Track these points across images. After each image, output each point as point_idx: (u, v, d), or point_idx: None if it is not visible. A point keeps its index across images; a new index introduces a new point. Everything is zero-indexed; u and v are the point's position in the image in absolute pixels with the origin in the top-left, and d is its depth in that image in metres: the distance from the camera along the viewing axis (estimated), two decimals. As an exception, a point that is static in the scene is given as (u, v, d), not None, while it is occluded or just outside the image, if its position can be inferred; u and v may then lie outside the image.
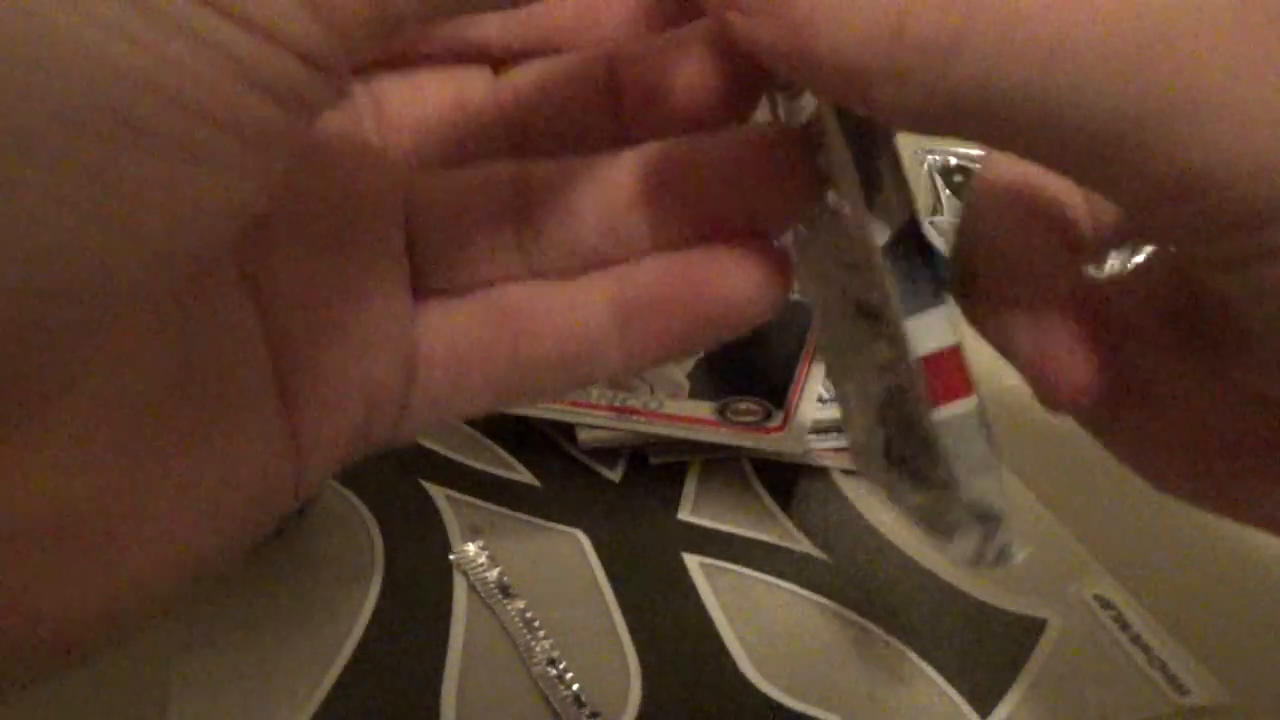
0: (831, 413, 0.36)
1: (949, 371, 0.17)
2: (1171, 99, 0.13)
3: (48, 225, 0.10)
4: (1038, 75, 0.13)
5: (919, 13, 0.13)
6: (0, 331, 0.11)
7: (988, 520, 0.18)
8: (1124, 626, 0.29)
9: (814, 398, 0.36)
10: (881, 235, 0.16)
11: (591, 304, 0.17)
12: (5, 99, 0.10)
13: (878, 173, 0.16)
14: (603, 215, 0.17)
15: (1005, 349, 0.18)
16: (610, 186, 0.17)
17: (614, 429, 0.35)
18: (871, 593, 0.30)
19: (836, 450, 0.36)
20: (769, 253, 0.17)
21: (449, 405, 0.17)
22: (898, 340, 0.17)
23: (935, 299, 0.16)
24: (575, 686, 0.27)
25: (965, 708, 0.27)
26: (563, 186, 0.17)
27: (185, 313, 0.14)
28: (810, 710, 0.26)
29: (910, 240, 0.16)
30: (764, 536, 0.32)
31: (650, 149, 0.17)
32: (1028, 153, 0.14)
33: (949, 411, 0.17)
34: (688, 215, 0.17)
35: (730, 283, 0.17)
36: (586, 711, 0.26)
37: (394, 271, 0.17)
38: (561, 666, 0.27)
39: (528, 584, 0.30)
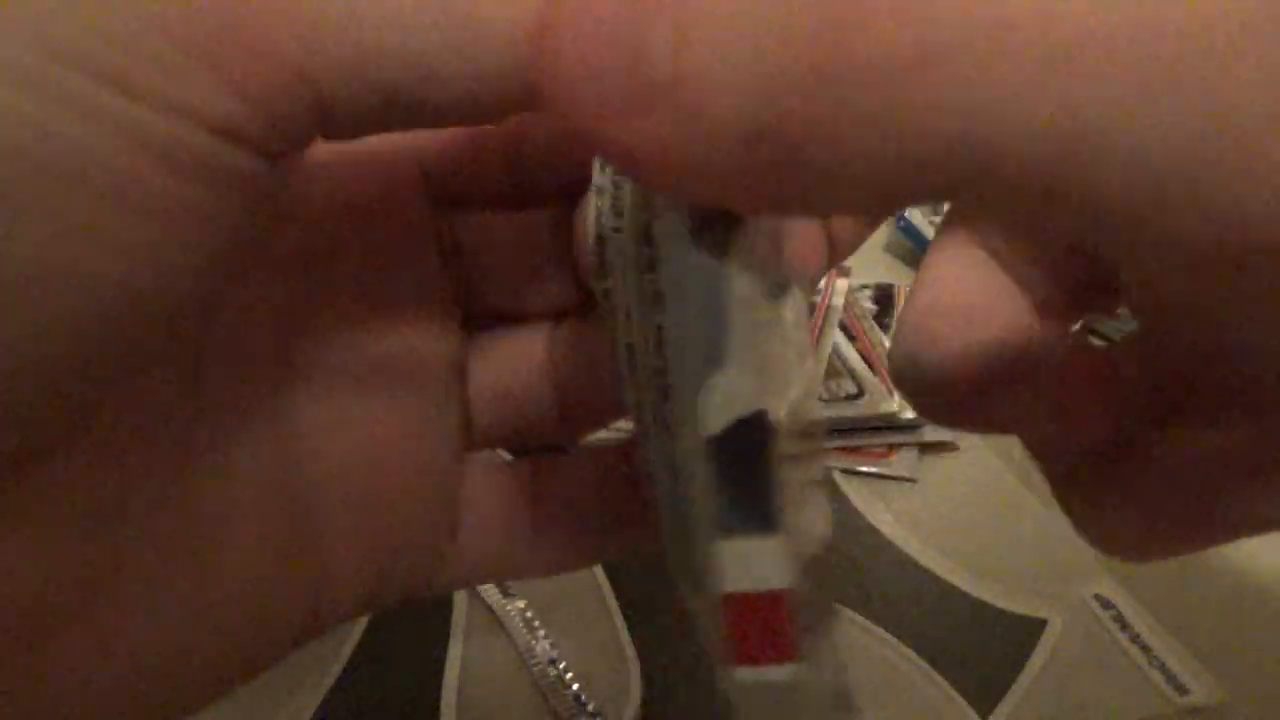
0: (831, 413, 0.36)
1: (766, 624, 0.12)
2: (1226, 139, 0.08)
3: None
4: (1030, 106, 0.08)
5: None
6: None
7: None
8: (1124, 626, 0.29)
9: (814, 398, 0.36)
10: (716, 418, 0.12)
11: None
12: None
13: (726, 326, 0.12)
14: None
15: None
16: None
17: (614, 429, 0.35)
18: (871, 593, 0.30)
19: (837, 450, 0.36)
20: None
21: (495, 564, 0.17)
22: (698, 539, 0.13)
23: (765, 526, 0.12)
24: (575, 686, 0.27)
25: (965, 708, 0.27)
26: None
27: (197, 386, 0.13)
28: (810, 710, 0.26)
29: (755, 436, 0.12)
30: (764, 536, 0.32)
31: None
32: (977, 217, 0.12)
33: (754, 675, 0.12)
34: None
35: None
36: (586, 711, 0.26)
37: (446, 420, 0.16)
38: (561, 666, 0.27)
39: (528, 584, 0.30)
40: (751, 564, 0.12)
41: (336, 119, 0.12)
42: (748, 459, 0.12)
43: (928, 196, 0.10)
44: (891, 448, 0.36)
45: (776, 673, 0.12)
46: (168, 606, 0.13)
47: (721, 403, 0.12)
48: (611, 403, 0.17)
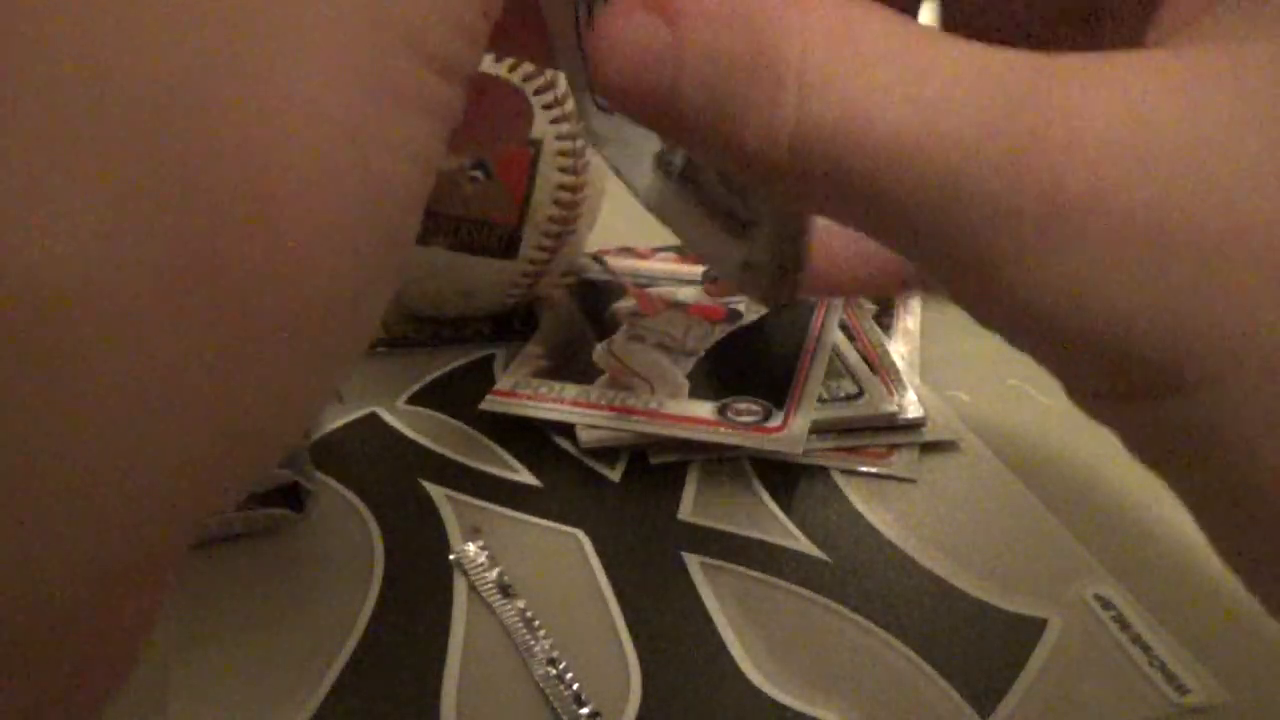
0: (831, 413, 0.36)
1: None
2: (1042, 210, 0.12)
3: None
4: (885, 167, 0.12)
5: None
6: None
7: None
8: (1124, 626, 0.29)
9: (814, 398, 0.36)
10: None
11: None
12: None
13: None
14: None
15: None
16: None
17: (614, 429, 0.35)
18: (871, 593, 0.30)
19: (837, 450, 0.36)
20: None
21: None
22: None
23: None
24: (575, 686, 0.27)
25: (965, 708, 0.27)
26: None
27: None
28: (810, 710, 0.26)
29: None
30: (764, 536, 0.32)
31: None
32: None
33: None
34: None
35: None
36: (586, 711, 0.26)
37: None
38: (561, 666, 0.27)
39: (528, 584, 0.30)
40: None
41: None
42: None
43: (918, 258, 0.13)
44: (891, 448, 0.36)
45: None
46: None
47: None
48: None
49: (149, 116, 0.11)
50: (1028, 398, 0.40)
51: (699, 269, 0.46)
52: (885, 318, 0.44)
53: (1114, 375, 0.12)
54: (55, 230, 0.10)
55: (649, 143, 0.19)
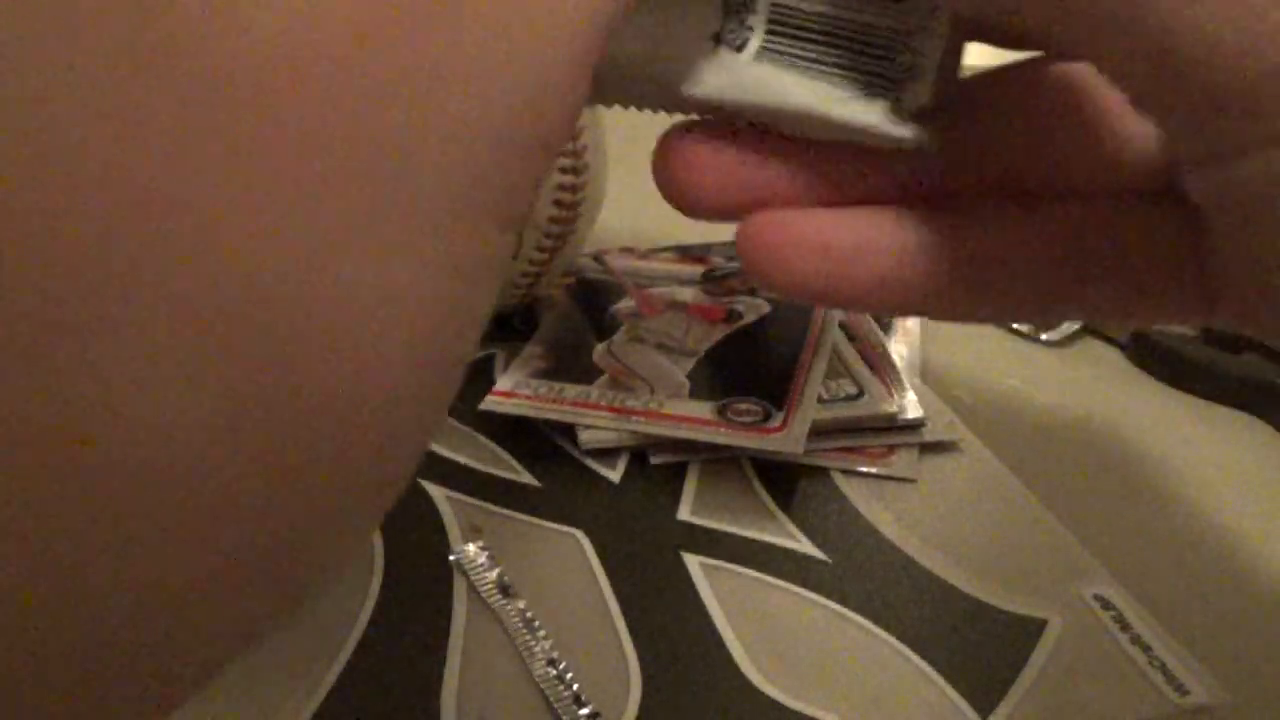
0: (831, 413, 0.36)
1: None
2: None
3: None
4: None
5: None
6: None
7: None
8: (1124, 626, 0.29)
9: (814, 398, 0.36)
10: None
11: None
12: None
13: None
14: None
15: None
16: None
17: (614, 429, 0.35)
18: (871, 593, 0.30)
19: (836, 450, 0.36)
20: None
21: None
22: None
23: None
24: (575, 686, 0.27)
25: (965, 708, 0.27)
26: None
27: None
28: (810, 710, 0.26)
29: None
30: (764, 536, 0.32)
31: None
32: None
33: None
34: None
35: None
36: (586, 711, 0.26)
37: None
38: (561, 666, 0.27)
39: (528, 584, 0.30)
40: None
41: None
42: None
43: None
44: (891, 448, 0.36)
45: None
46: None
47: None
48: None
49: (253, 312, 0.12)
50: (1028, 398, 0.40)
51: (699, 269, 0.46)
52: (885, 318, 0.44)
53: (1222, 130, 0.13)
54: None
55: (700, 27, 0.17)
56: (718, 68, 0.17)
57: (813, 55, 0.17)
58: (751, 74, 0.17)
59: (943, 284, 0.17)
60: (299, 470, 0.12)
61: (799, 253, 0.17)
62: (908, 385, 0.38)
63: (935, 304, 0.18)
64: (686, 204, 0.18)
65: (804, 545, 0.32)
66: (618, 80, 0.17)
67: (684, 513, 0.33)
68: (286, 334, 0.12)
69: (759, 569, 0.31)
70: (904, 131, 0.16)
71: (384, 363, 0.13)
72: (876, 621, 0.29)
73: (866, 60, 0.17)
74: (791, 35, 0.17)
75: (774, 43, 0.17)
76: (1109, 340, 0.44)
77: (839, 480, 0.35)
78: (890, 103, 0.17)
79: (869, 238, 0.17)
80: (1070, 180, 0.18)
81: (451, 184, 0.13)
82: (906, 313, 0.18)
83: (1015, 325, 0.44)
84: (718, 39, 0.17)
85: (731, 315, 0.42)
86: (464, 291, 0.13)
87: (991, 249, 0.17)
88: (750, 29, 0.17)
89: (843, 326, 0.41)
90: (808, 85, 0.17)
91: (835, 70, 0.17)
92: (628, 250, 0.49)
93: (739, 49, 0.17)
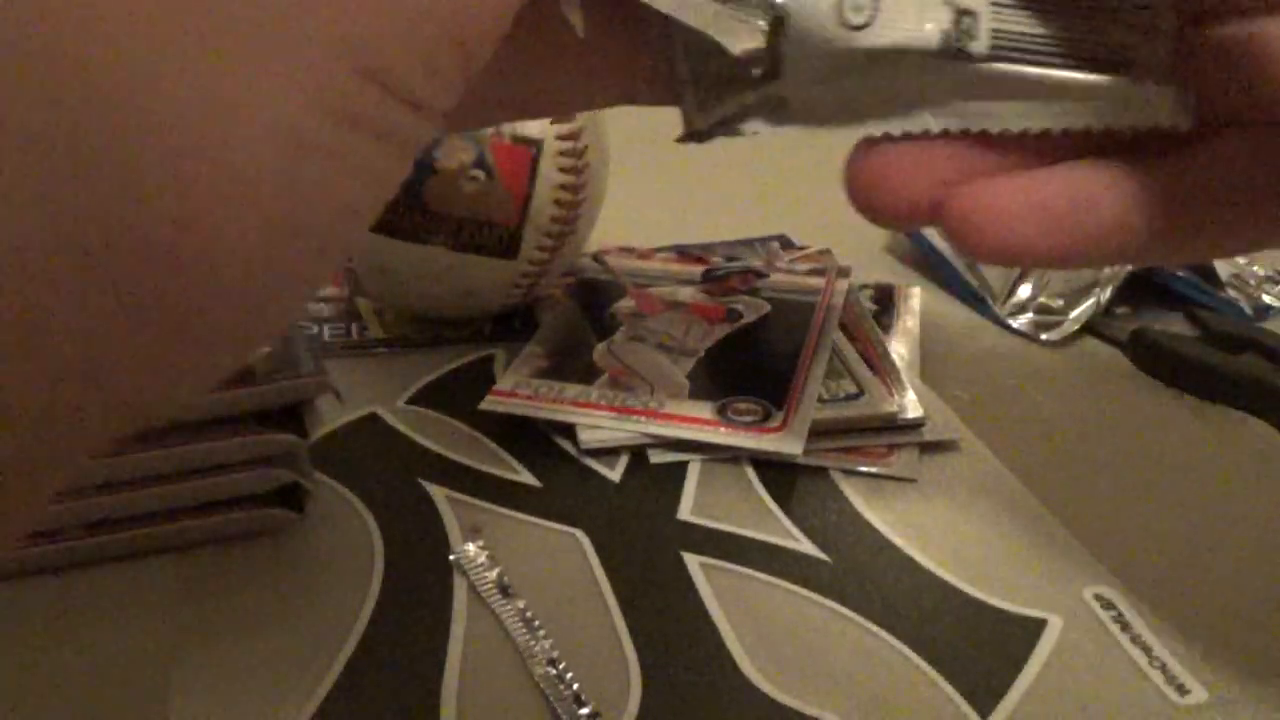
0: (831, 413, 0.36)
1: None
2: None
3: None
4: None
5: None
6: None
7: None
8: (1124, 627, 0.29)
9: (814, 398, 0.36)
10: None
11: None
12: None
13: None
14: None
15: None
16: None
17: (614, 429, 0.35)
18: (871, 593, 0.30)
19: (836, 450, 0.36)
20: None
21: None
22: None
23: None
24: (575, 686, 0.27)
25: (965, 708, 0.27)
26: None
27: None
28: (810, 710, 0.26)
29: None
30: (764, 536, 0.32)
31: None
32: None
33: None
34: None
35: None
36: (586, 711, 0.26)
37: None
38: (561, 666, 0.27)
39: (528, 584, 0.30)
40: None
41: None
42: None
43: None
44: (891, 448, 0.36)
45: None
46: None
47: None
48: None
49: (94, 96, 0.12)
50: (1028, 398, 0.40)
51: (699, 269, 0.46)
52: (885, 318, 0.44)
53: None
54: None
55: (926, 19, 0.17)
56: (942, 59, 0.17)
57: (1055, 43, 0.17)
58: (963, 70, 0.17)
59: (1168, 225, 0.17)
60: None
61: (1018, 216, 0.17)
62: (908, 385, 0.38)
63: (1159, 247, 0.18)
64: (881, 201, 0.18)
65: (804, 545, 0.32)
66: (851, 113, 0.18)
67: (684, 513, 0.33)
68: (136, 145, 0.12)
69: (759, 569, 0.31)
70: (1173, 118, 0.17)
71: (229, 166, 0.12)
72: (876, 621, 0.29)
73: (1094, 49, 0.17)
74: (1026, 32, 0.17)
75: (1008, 40, 0.17)
76: (1109, 340, 0.44)
77: (839, 480, 0.35)
78: (1122, 81, 0.17)
79: (1088, 192, 0.17)
80: None
81: (345, 29, 0.13)
82: (1124, 261, 0.18)
83: (1015, 325, 0.44)
84: (947, 35, 0.17)
85: (731, 315, 0.42)
86: (336, 139, 0.13)
87: (1213, 182, 0.17)
88: (973, 27, 0.17)
89: (843, 326, 0.41)
90: (1034, 76, 0.17)
91: (1072, 54, 0.17)
92: (628, 250, 0.49)
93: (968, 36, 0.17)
